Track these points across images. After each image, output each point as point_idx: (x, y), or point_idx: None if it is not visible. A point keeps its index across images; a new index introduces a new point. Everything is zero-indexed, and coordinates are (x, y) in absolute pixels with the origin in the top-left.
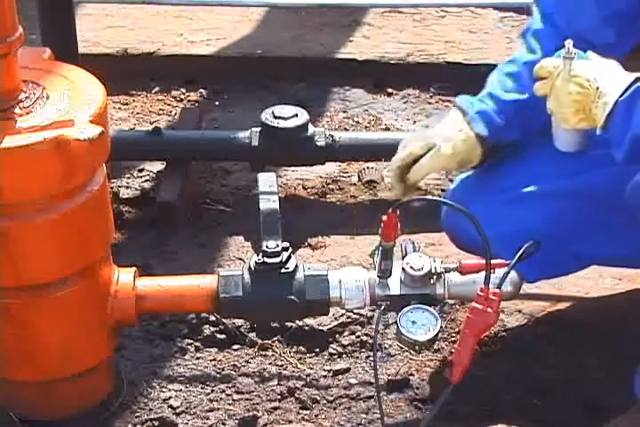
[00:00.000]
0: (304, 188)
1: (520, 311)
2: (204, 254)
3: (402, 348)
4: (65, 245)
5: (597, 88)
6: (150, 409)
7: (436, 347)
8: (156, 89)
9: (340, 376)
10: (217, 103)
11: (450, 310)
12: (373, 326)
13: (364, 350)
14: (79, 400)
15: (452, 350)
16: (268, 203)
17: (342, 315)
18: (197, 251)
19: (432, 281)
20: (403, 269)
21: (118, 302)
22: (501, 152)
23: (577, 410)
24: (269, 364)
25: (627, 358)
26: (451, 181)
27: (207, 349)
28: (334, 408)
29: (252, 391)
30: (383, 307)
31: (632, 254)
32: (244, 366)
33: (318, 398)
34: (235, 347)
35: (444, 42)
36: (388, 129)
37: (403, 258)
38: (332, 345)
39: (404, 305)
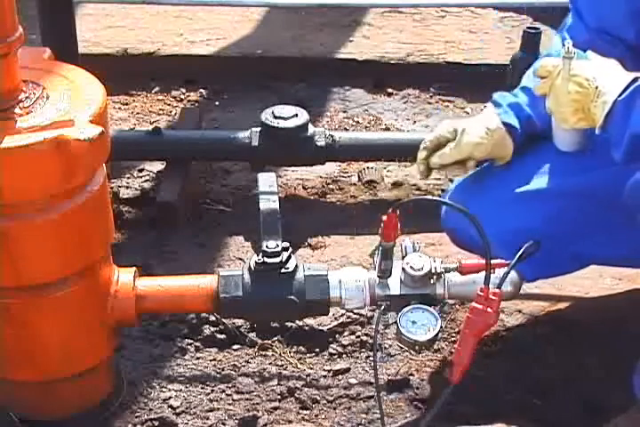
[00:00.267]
0: (304, 188)
1: (520, 311)
2: (204, 254)
3: (402, 348)
4: (65, 245)
5: (596, 87)
6: (150, 409)
7: (435, 347)
8: (156, 89)
9: (340, 376)
10: (217, 103)
11: (450, 310)
12: (373, 326)
13: (364, 350)
14: (79, 400)
15: (452, 350)
16: (268, 203)
17: (342, 315)
18: (197, 251)
19: (432, 281)
20: (403, 269)
21: (118, 302)
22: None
23: (577, 410)
24: (269, 364)
25: (626, 358)
26: (451, 181)
27: (207, 349)
28: (334, 408)
29: (252, 391)
30: (383, 307)
31: (632, 254)
32: (243, 366)
33: (318, 398)
34: (235, 347)
35: (443, 42)
36: (387, 129)
37: (403, 258)
38: (332, 345)
39: (404, 305)
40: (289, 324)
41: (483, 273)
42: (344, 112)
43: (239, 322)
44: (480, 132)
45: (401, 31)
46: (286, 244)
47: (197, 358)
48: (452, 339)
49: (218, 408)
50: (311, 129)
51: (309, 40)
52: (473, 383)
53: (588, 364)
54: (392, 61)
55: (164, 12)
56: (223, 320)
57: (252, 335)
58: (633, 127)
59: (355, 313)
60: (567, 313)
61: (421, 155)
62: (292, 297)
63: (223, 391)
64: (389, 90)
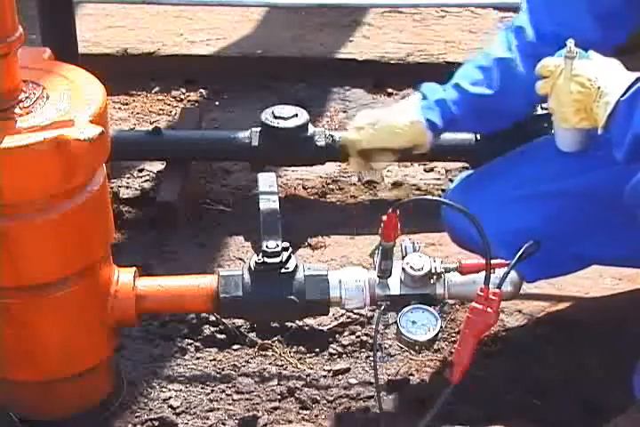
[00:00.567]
0: (304, 188)
1: (520, 311)
2: (204, 254)
3: (402, 348)
4: (65, 245)
5: (599, 87)
6: (150, 409)
7: (435, 347)
8: (156, 89)
9: (340, 376)
10: (217, 103)
11: (450, 310)
12: (373, 326)
13: (364, 350)
14: (79, 400)
15: (452, 350)
16: (268, 203)
17: (342, 315)
18: (197, 251)
19: (432, 281)
20: (403, 269)
21: (118, 302)
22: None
23: (577, 410)
24: (269, 364)
25: (626, 358)
26: (451, 180)
27: (207, 349)
28: (334, 408)
29: (252, 391)
30: (383, 307)
31: (632, 254)
32: (243, 366)
33: (318, 398)
34: (235, 347)
35: (443, 42)
36: None
37: (403, 258)
38: (332, 345)
39: (404, 305)
40: (289, 324)
41: (483, 273)
42: (344, 112)
43: (239, 322)
44: (398, 124)
45: (401, 31)
46: (286, 244)
47: (197, 358)
48: (452, 339)
49: (218, 408)
50: (311, 129)
51: (309, 40)
52: (473, 383)
53: (588, 364)
54: (392, 61)
55: (164, 12)
56: (223, 320)
57: (252, 335)
58: (635, 127)
59: (355, 313)
60: (567, 313)
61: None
62: (292, 297)
63: (223, 391)
64: (389, 90)
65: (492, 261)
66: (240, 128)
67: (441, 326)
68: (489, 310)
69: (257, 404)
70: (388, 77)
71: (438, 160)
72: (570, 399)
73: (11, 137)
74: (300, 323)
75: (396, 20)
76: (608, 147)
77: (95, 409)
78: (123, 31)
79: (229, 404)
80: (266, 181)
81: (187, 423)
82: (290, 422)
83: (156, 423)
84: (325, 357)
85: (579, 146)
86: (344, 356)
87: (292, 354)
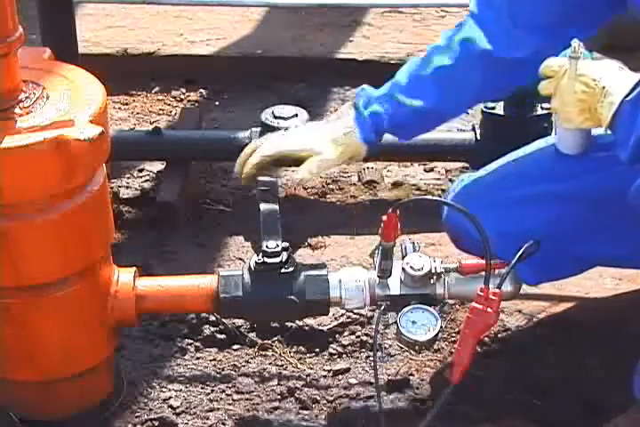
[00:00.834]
0: (304, 188)
1: (520, 311)
2: (204, 254)
3: (402, 348)
4: (65, 245)
5: (603, 87)
6: (150, 409)
7: (435, 347)
8: (156, 89)
9: (340, 376)
10: (217, 103)
11: (450, 310)
12: (373, 326)
13: (364, 350)
14: (79, 400)
15: (452, 350)
16: (268, 203)
17: (342, 315)
18: (197, 251)
19: (432, 281)
20: (403, 269)
21: (118, 302)
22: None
23: (577, 410)
24: (269, 364)
25: (626, 358)
26: (451, 181)
27: (207, 349)
28: (334, 408)
29: (252, 391)
30: (383, 307)
31: (632, 254)
32: (243, 366)
33: (318, 398)
34: (235, 347)
35: None
36: None
37: (403, 258)
38: (332, 345)
39: (404, 305)
40: (289, 324)
41: (483, 273)
42: None
43: (239, 322)
44: (330, 148)
45: (401, 31)
46: (286, 244)
47: (197, 358)
48: (452, 339)
49: (218, 408)
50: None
51: (309, 40)
52: (473, 383)
53: (588, 364)
54: (392, 61)
55: (164, 12)
56: (223, 320)
57: (252, 335)
58: None
59: (355, 313)
60: (567, 313)
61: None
62: (292, 297)
63: (223, 391)
64: None
65: (492, 262)
66: (240, 128)
67: (441, 326)
68: (489, 310)
69: (257, 404)
70: (388, 77)
71: (438, 160)
72: (570, 399)
73: (11, 137)
74: (300, 323)
75: (396, 20)
76: (608, 149)
77: (95, 409)
78: (123, 31)
79: (229, 404)
80: (266, 181)
81: (187, 423)
82: (290, 422)
83: (156, 423)
84: (325, 357)
85: (580, 148)
86: (344, 356)
87: (292, 354)
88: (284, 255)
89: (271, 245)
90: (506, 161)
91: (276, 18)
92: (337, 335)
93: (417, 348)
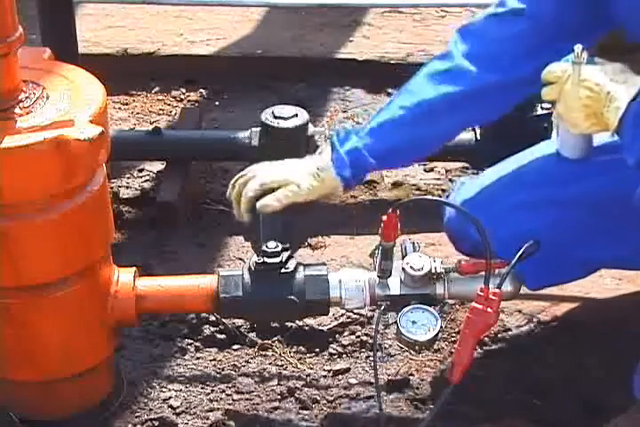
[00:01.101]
0: None
1: (520, 311)
2: (204, 254)
3: (402, 348)
4: (65, 245)
5: (608, 92)
6: (150, 409)
7: (435, 347)
8: (156, 89)
9: (340, 376)
10: (217, 103)
11: (450, 310)
12: (373, 326)
13: (364, 350)
14: (79, 400)
15: (452, 350)
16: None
17: (342, 315)
18: (197, 251)
19: (432, 281)
20: (403, 269)
21: (118, 302)
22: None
23: (577, 410)
24: (269, 364)
25: (627, 359)
26: (451, 180)
27: (207, 349)
28: (334, 408)
29: (252, 391)
30: (383, 307)
31: (632, 255)
32: (243, 366)
33: (318, 398)
34: (235, 347)
35: (443, 42)
36: None
37: (403, 258)
38: (332, 345)
39: (404, 305)
40: (289, 324)
41: (483, 273)
42: (344, 112)
43: (239, 322)
44: (306, 181)
45: (401, 31)
46: (286, 244)
47: (197, 358)
48: (452, 339)
49: (218, 408)
50: (311, 129)
51: (309, 40)
52: (473, 383)
53: (588, 364)
54: (392, 61)
55: (164, 12)
56: (223, 320)
57: (252, 335)
58: None
59: (355, 313)
60: (567, 313)
61: (248, 203)
62: (292, 297)
63: (223, 391)
64: (389, 90)
65: (492, 261)
66: (240, 128)
67: (441, 326)
68: (489, 310)
69: (257, 404)
70: (387, 77)
71: (438, 160)
72: (570, 399)
73: (11, 137)
74: (300, 323)
75: (396, 20)
76: (608, 152)
77: (95, 409)
78: (123, 31)
79: (229, 404)
80: None
81: (187, 423)
82: (290, 421)
83: (156, 423)
84: (325, 357)
85: (581, 152)
86: (344, 356)
87: (292, 354)
88: (284, 255)
89: (271, 245)
90: (506, 166)
91: (276, 18)
92: (337, 335)
93: (417, 348)
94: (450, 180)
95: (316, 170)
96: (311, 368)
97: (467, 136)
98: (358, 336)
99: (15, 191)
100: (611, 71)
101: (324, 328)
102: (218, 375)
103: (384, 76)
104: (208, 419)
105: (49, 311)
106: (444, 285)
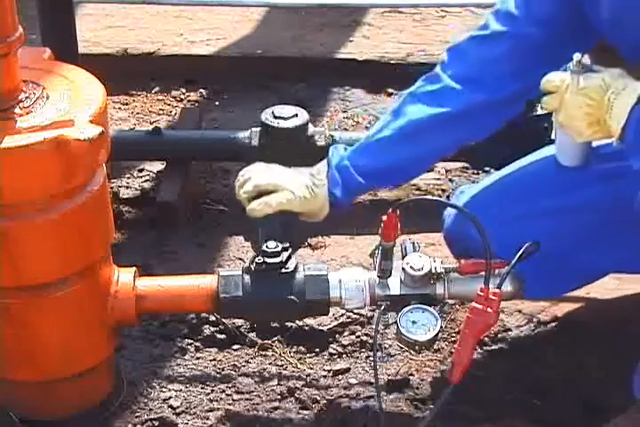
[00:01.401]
0: None
1: (520, 311)
2: (204, 254)
3: (402, 348)
4: (65, 245)
5: (609, 99)
6: (150, 409)
7: (435, 347)
8: (156, 89)
9: (340, 376)
10: (217, 103)
11: (450, 310)
12: (373, 326)
13: (364, 350)
14: (79, 400)
15: (452, 350)
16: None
17: (342, 315)
18: (197, 251)
19: (432, 281)
20: (403, 269)
21: (118, 302)
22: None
23: (577, 410)
24: (269, 364)
25: (627, 359)
26: (451, 180)
27: (207, 349)
28: (334, 408)
29: (252, 391)
30: (383, 307)
31: (634, 260)
32: (243, 366)
33: (318, 398)
34: (235, 347)
35: (444, 42)
36: None
37: (403, 258)
38: (332, 345)
39: (404, 305)
40: (289, 324)
41: (483, 273)
42: (344, 112)
43: (239, 322)
44: (300, 192)
45: (401, 31)
46: (286, 244)
47: (197, 358)
48: (452, 339)
49: (218, 408)
50: (311, 129)
51: (309, 40)
52: (473, 383)
53: (588, 364)
54: (392, 61)
55: (164, 12)
56: (223, 320)
57: (252, 335)
58: None
59: (355, 313)
60: (568, 313)
61: (241, 195)
62: (292, 297)
63: (223, 391)
64: (389, 90)
65: (492, 262)
66: (240, 128)
67: (441, 326)
68: (489, 310)
69: (257, 404)
70: (387, 77)
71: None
72: (570, 399)
73: (11, 137)
74: (300, 323)
75: (396, 20)
76: (608, 161)
77: (95, 409)
78: (123, 31)
79: (229, 404)
80: None
81: (187, 423)
82: (290, 421)
83: (156, 423)
84: (325, 357)
85: (580, 160)
86: (344, 356)
87: (292, 354)
88: (284, 255)
89: (271, 245)
90: (505, 175)
91: (276, 18)
92: (337, 335)
93: (417, 348)
94: (450, 180)
95: (312, 184)
96: (311, 368)
97: None
98: (358, 336)
99: (15, 191)
100: (609, 77)
101: (324, 328)
102: (218, 375)
103: (384, 76)
104: (208, 419)
105: (49, 311)
106: (443, 285)
